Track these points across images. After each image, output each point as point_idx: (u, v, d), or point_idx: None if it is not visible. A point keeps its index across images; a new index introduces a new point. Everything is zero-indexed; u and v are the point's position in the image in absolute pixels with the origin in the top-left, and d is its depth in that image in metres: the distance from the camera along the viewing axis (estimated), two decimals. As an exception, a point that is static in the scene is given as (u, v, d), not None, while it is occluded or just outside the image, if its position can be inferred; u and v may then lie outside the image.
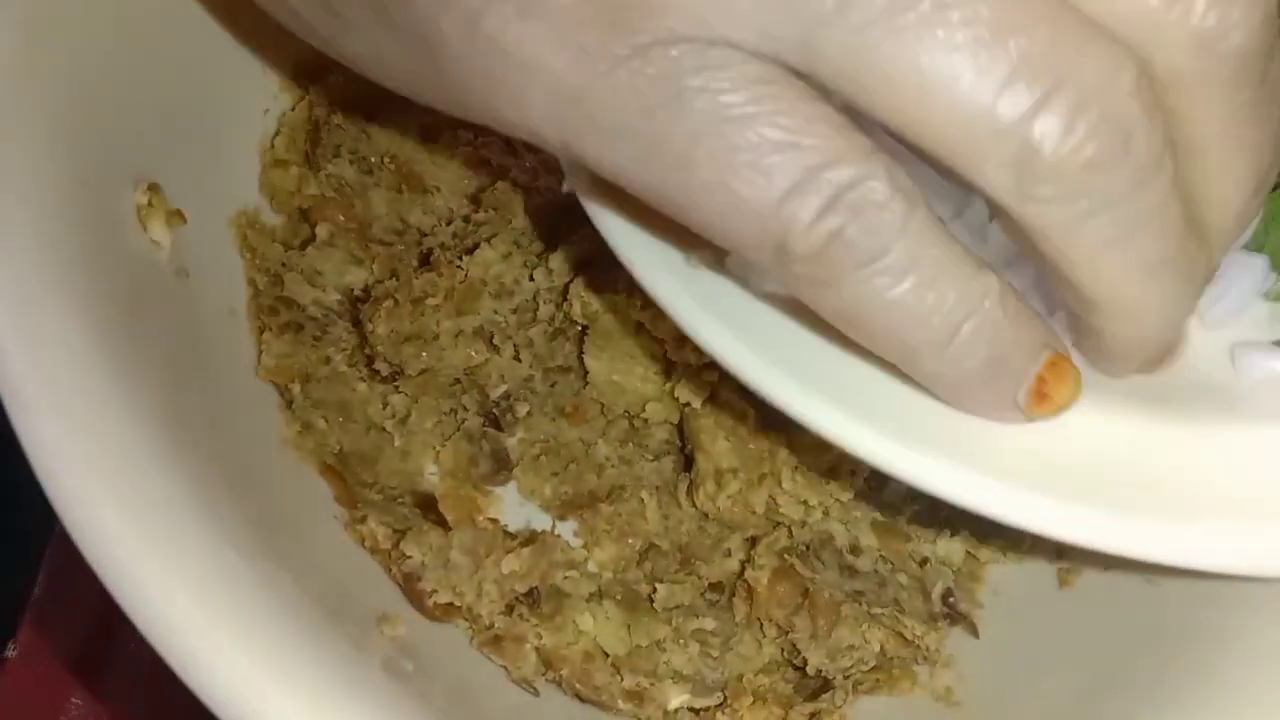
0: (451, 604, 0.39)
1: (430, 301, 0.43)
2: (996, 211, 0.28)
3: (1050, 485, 0.30)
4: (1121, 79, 0.25)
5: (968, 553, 0.45)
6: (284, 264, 0.45)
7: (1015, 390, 0.29)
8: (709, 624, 0.42)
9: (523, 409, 0.45)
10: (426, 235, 0.48)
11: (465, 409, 0.45)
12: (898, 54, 0.25)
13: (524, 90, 0.28)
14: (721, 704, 0.40)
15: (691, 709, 0.40)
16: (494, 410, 0.45)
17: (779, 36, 0.26)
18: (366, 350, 0.44)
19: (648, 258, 0.34)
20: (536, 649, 0.40)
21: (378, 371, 0.44)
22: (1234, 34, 0.26)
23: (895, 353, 0.29)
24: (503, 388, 0.46)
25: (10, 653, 0.44)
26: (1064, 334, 0.32)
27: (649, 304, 0.43)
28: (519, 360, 0.45)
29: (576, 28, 0.27)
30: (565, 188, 0.36)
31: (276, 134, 0.47)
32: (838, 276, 0.27)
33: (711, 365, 0.43)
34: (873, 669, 0.42)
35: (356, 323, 0.44)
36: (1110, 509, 0.30)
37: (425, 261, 0.46)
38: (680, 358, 0.43)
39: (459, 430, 0.45)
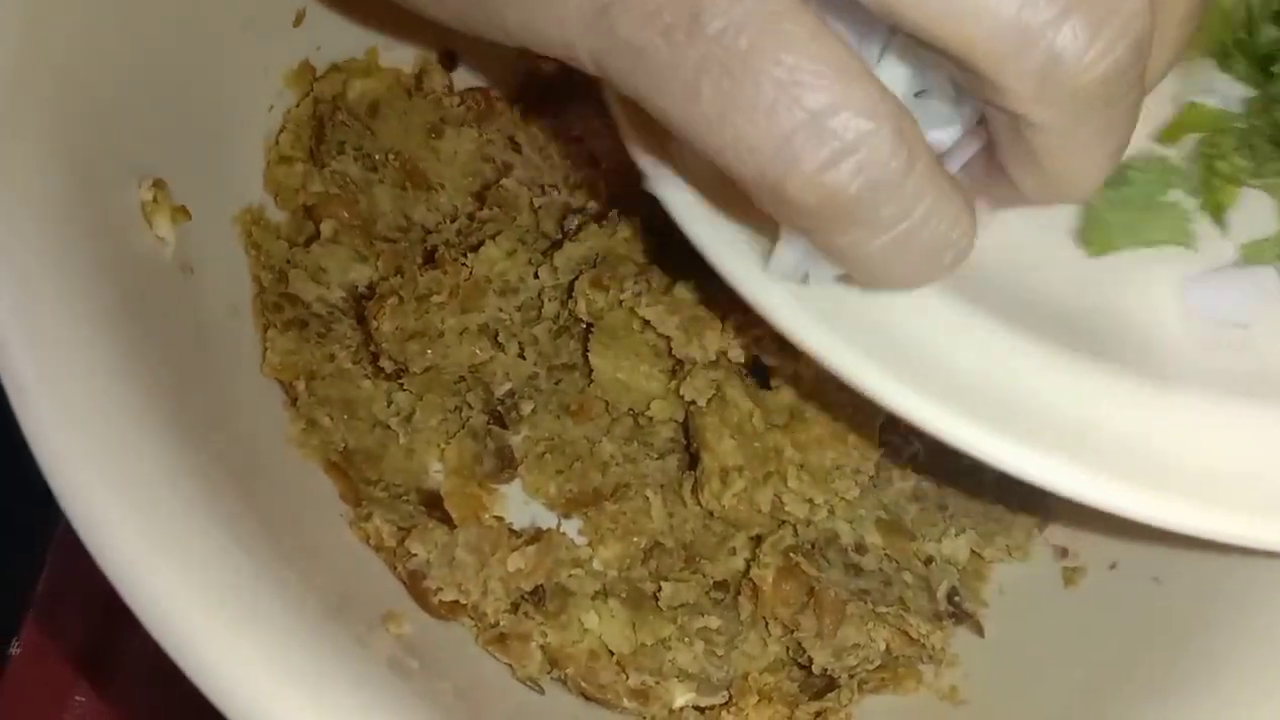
0: (456, 602, 0.39)
1: (435, 299, 0.43)
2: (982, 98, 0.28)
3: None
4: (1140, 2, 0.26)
5: (972, 551, 0.45)
6: (288, 261, 0.45)
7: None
8: (714, 622, 0.42)
9: (527, 407, 0.45)
10: (431, 232, 0.48)
11: (470, 406, 0.45)
12: None
13: (558, 3, 0.28)
14: (727, 702, 0.40)
15: (697, 707, 0.40)
16: (499, 408, 0.45)
17: None
18: (371, 348, 0.44)
19: (733, 257, 0.34)
20: (542, 647, 0.39)
21: (382, 369, 0.44)
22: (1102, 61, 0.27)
23: (869, 277, 0.31)
24: (507, 385, 0.46)
25: (14, 650, 0.44)
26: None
27: (654, 301, 0.43)
28: (524, 358, 0.45)
29: None
30: (644, 186, 0.36)
31: (281, 130, 0.46)
32: (832, 226, 0.28)
33: (716, 363, 0.43)
34: (878, 668, 0.42)
35: (361, 320, 0.44)
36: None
37: (430, 259, 0.46)
38: (685, 355, 0.43)
39: (464, 428, 0.45)
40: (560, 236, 0.47)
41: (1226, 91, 0.41)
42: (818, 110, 0.26)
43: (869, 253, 0.29)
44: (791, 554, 0.42)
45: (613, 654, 0.40)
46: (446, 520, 0.40)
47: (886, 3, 0.26)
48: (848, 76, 0.27)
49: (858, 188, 0.27)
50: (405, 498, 0.42)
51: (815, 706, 0.40)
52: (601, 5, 0.28)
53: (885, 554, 0.44)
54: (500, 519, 0.40)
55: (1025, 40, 0.26)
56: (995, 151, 0.31)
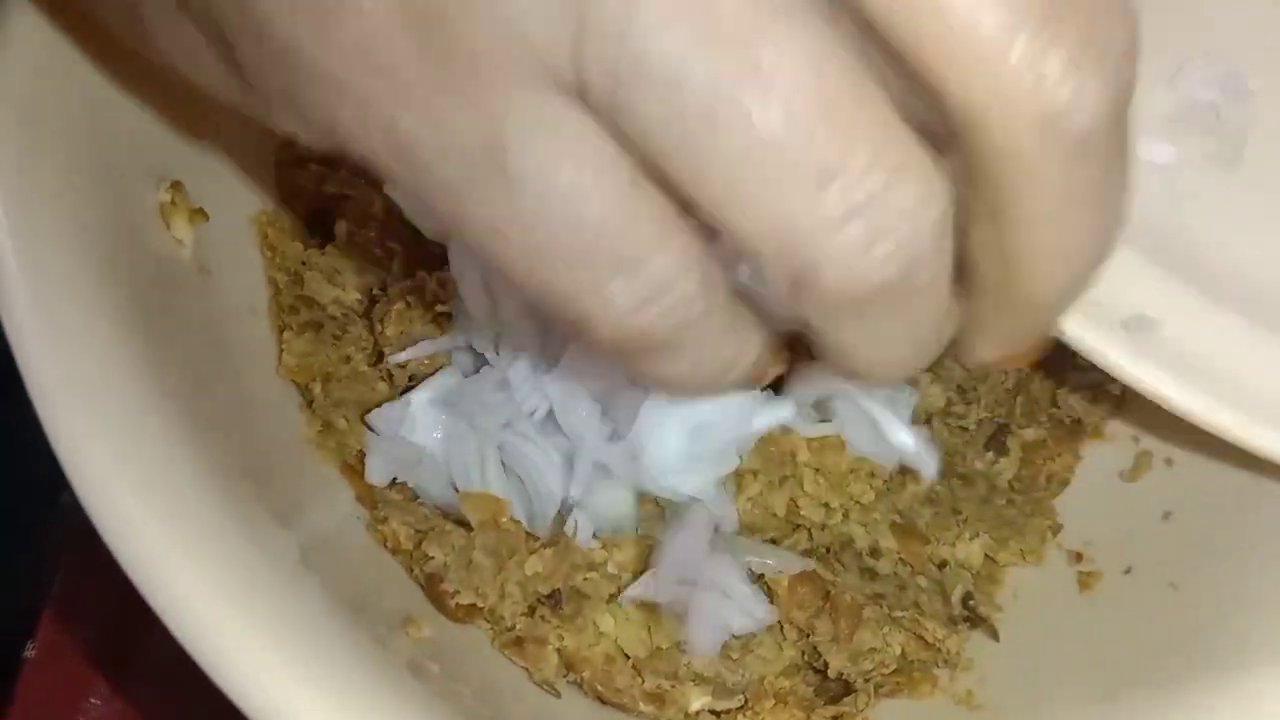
0: (474, 605, 0.39)
1: (441, 308, 0.43)
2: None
3: None
4: (926, 214, 0.24)
5: (987, 556, 0.45)
6: (304, 263, 0.45)
7: None
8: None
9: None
10: (445, 235, 0.48)
11: (484, 410, 0.45)
12: (720, 151, 0.24)
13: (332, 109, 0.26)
14: (742, 706, 0.40)
15: (712, 711, 0.40)
16: (512, 410, 0.45)
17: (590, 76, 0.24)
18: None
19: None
20: (558, 650, 0.39)
21: (391, 373, 0.44)
22: (1082, 114, 0.24)
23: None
24: (520, 388, 0.46)
25: (29, 652, 0.44)
26: None
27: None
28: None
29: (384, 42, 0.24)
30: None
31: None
32: (634, 359, 0.28)
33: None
34: (894, 672, 0.41)
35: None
36: None
37: (443, 262, 0.46)
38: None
39: (478, 431, 0.44)
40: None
41: None
42: (636, 257, 0.26)
43: (667, 374, 0.29)
44: (807, 558, 0.42)
45: (628, 657, 0.40)
46: (463, 523, 0.40)
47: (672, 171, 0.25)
48: (666, 218, 0.26)
49: (666, 327, 0.27)
50: (421, 501, 0.42)
51: (831, 711, 0.40)
52: (384, 125, 0.25)
53: (900, 558, 0.44)
54: (518, 522, 0.40)
55: (788, 245, 0.25)
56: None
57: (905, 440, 0.42)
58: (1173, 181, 0.42)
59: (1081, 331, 0.37)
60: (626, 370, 0.30)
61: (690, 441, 0.41)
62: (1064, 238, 0.27)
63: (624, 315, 0.26)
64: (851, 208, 0.24)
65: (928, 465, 0.42)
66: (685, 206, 0.25)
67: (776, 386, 0.43)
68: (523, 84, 0.24)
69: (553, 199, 0.24)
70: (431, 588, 0.39)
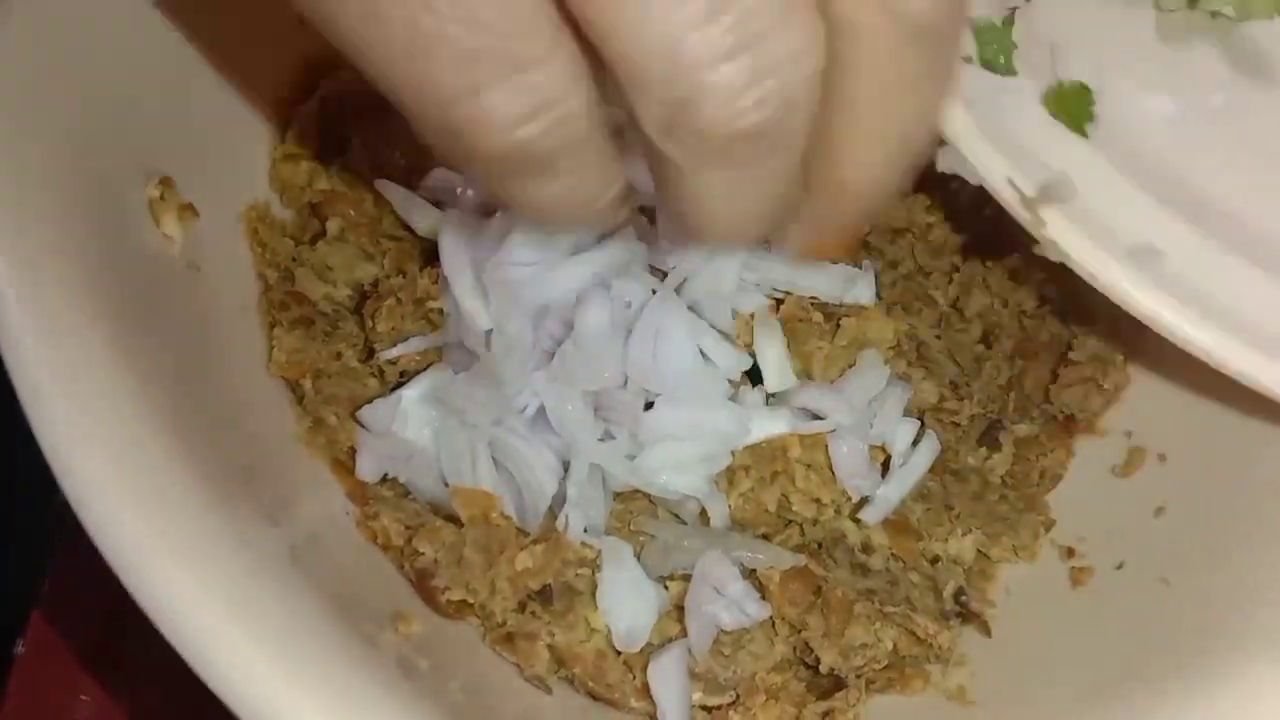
0: (464, 601, 0.38)
1: (432, 304, 0.43)
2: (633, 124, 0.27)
3: None
4: (806, 63, 0.25)
5: (979, 551, 0.45)
6: (294, 259, 0.45)
7: None
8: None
9: (531, 406, 0.45)
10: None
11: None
12: None
13: None
14: (734, 702, 0.40)
15: (704, 707, 0.40)
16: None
17: None
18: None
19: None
20: (549, 646, 0.39)
21: (382, 369, 0.43)
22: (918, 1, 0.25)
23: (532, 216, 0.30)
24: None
25: (20, 649, 0.44)
26: None
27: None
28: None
29: None
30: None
31: (287, 128, 0.46)
32: (510, 177, 0.27)
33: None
34: (885, 667, 0.41)
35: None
36: None
37: (433, 258, 0.46)
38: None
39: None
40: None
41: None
42: (521, 62, 0.25)
43: (539, 197, 0.29)
44: (798, 553, 0.42)
45: (619, 653, 0.40)
46: (454, 519, 0.40)
47: None
48: (553, 28, 0.25)
49: (550, 144, 0.26)
50: (412, 496, 0.42)
51: (822, 706, 0.40)
52: None
53: (892, 554, 0.44)
54: (508, 518, 0.40)
55: (673, 70, 0.25)
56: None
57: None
58: (1178, 134, 0.44)
59: (1089, 255, 0.40)
60: (495, 191, 0.29)
61: (686, 445, 0.41)
62: (886, 122, 0.28)
63: (509, 125, 0.26)
64: (739, 43, 0.24)
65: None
66: (575, 30, 0.25)
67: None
68: None
69: None
70: (422, 584, 0.39)
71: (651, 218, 0.45)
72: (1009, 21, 0.43)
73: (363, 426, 0.41)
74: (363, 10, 0.25)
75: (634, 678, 0.40)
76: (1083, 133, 0.43)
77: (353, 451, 0.41)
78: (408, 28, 0.25)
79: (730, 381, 0.42)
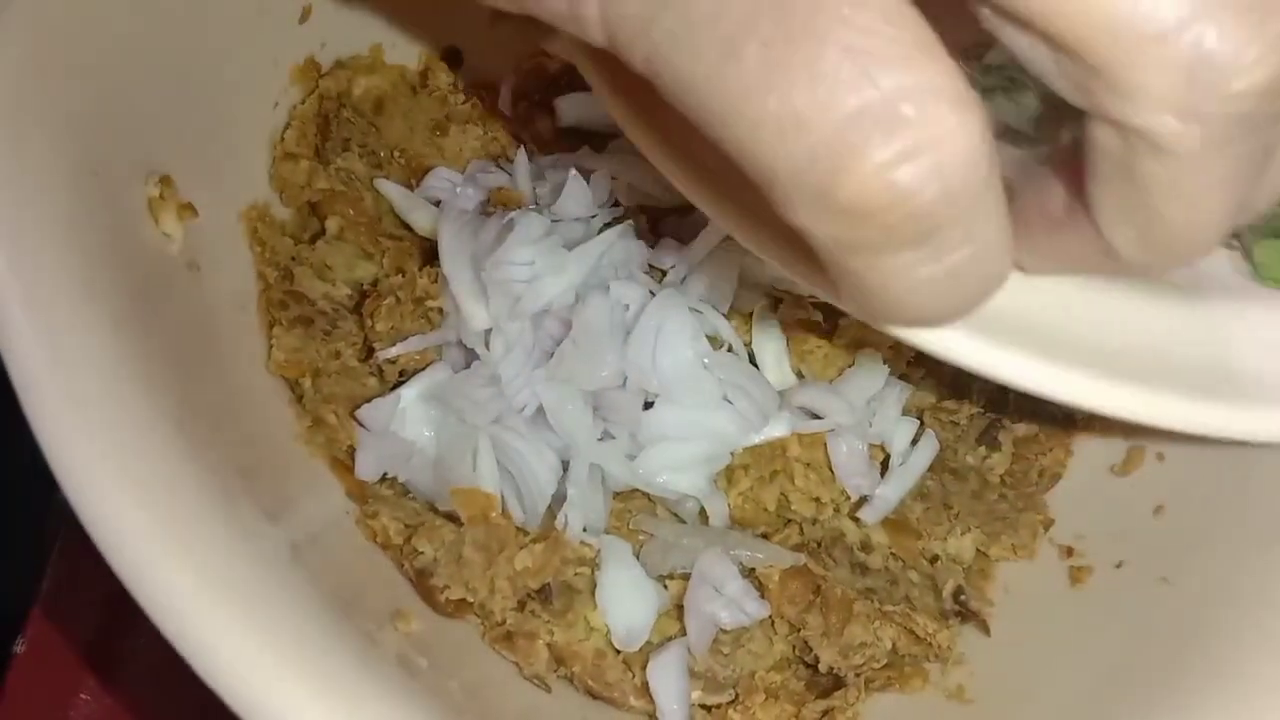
0: (464, 600, 0.39)
1: (431, 303, 0.43)
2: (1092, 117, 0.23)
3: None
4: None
5: (978, 550, 0.45)
6: (294, 258, 0.44)
7: None
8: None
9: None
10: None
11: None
12: None
13: None
14: (733, 701, 0.40)
15: (703, 705, 0.40)
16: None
17: None
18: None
19: None
20: (548, 645, 0.39)
21: (381, 368, 0.43)
22: (1243, 83, 0.21)
23: (881, 309, 0.25)
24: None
25: (19, 648, 0.44)
26: None
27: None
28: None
29: None
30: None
31: (286, 127, 0.46)
32: (879, 242, 0.22)
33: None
34: (885, 666, 0.42)
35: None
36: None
37: (432, 257, 0.46)
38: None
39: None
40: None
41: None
42: (894, 89, 0.21)
43: (908, 281, 0.23)
44: (798, 552, 0.42)
45: (619, 652, 0.40)
46: (453, 518, 0.40)
47: None
48: (931, 54, 0.21)
49: (931, 195, 0.21)
50: (411, 495, 0.42)
51: (822, 705, 0.40)
52: None
53: (891, 553, 0.44)
54: (508, 517, 0.40)
55: (1166, 31, 0.21)
56: (1080, 194, 0.25)
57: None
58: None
59: None
60: (838, 272, 0.24)
61: (686, 445, 0.41)
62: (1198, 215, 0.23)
63: (882, 166, 0.21)
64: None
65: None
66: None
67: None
68: None
69: (798, 2, 0.20)
70: (421, 583, 0.39)
71: (650, 217, 0.45)
72: None
73: (362, 426, 0.41)
74: (721, 49, 0.21)
75: (633, 676, 0.40)
76: None
77: (352, 451, 0.41)
78: (763, 55, 0.21)
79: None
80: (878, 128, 0.21)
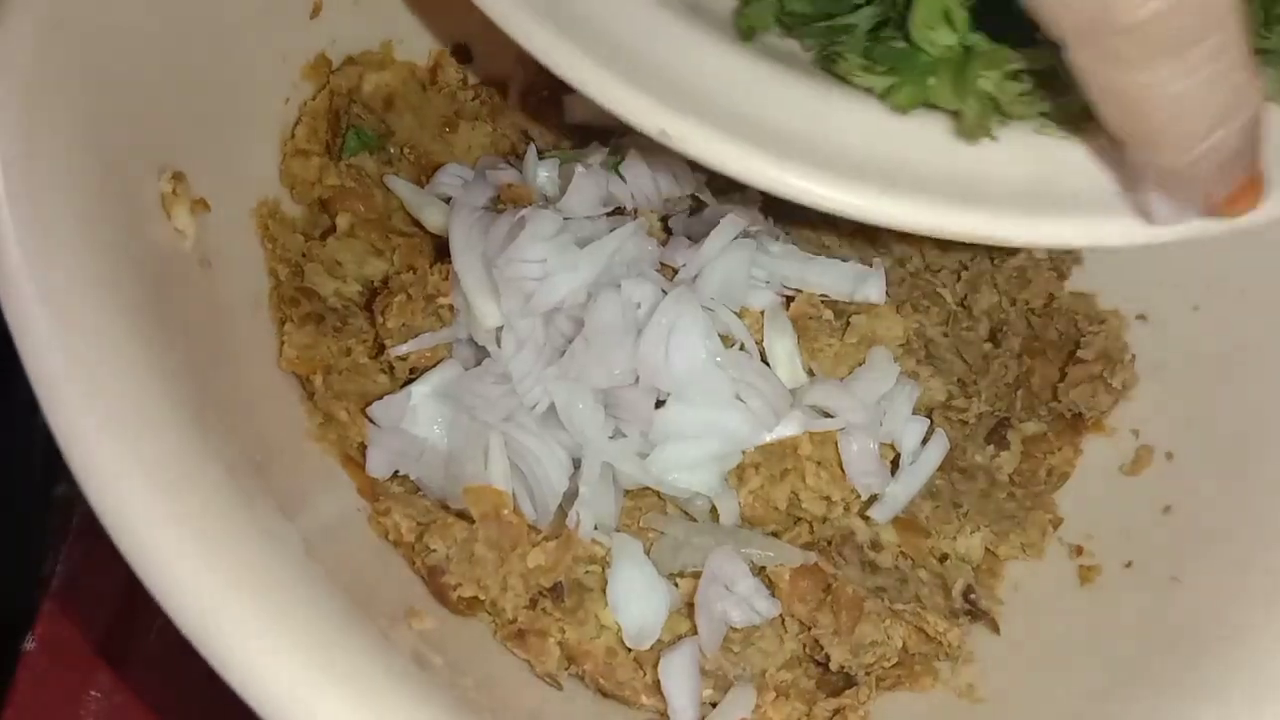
0: (476, 598, 0.38)
1: (442, 300, 0.43)
2: None
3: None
4: None
5: (987, 549, 0.45)
6: (304, 254, 0.44)
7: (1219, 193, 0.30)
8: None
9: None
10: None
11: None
12: None
13: None
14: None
15: (714, 704, 0.40)
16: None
17: None
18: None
19: None
20: (560, 643, 0.39)
21: (392, 365, 0.43)
22: None
23: (1145, 137, 0.28)
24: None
25: (29, 645, 0.44)
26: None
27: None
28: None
29: None
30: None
31: (297, 123, 0.46)
32: (1145, 58, 0.26)
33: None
34: (895, 665, 0.42)
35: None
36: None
37: (443, 254, 0.46)
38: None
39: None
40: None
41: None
42: None
43: (1167, 92, 0.27)
44: (808, 550, 0.42)
45: (630, 650, 0.40)
46: (465, 516, 0.40)
47: None
48: None
49: (1190, 12, 0.25)
50: (422, 493, 0.42)
51: (833, 704, 0.40)
52: None
53: (901, 551, 0.44)
54: (520, 515, 0.40)
55: None
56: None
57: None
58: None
59: None
60: (1114, 92, 0.28)
61: (697, 444, 0.41)
62: None
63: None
64: None
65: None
66: None
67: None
68: None
69: None
70: (433, 580, 0.39)
71: (661, 215, 0.45)
72: None
73: (373, 423, 0.41)
74: None
75: (644, 675, 0.40)
76: None
77: (363, 447, 0.41)
78: None
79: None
80: None
